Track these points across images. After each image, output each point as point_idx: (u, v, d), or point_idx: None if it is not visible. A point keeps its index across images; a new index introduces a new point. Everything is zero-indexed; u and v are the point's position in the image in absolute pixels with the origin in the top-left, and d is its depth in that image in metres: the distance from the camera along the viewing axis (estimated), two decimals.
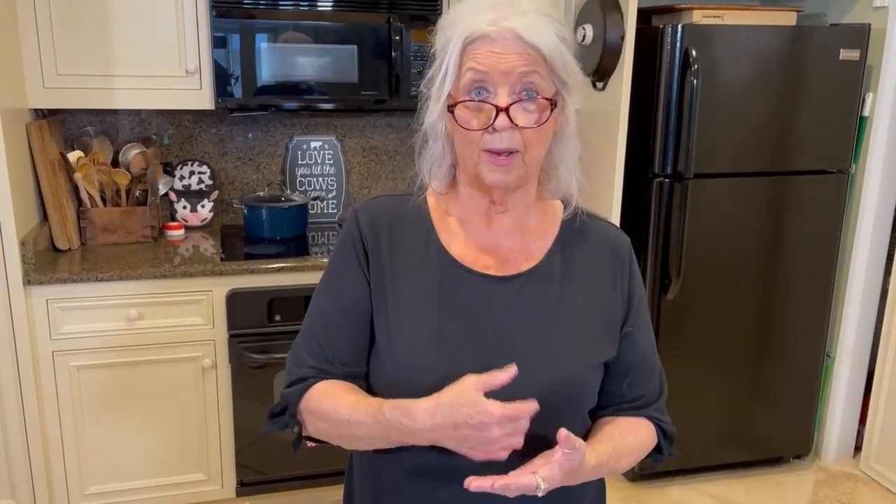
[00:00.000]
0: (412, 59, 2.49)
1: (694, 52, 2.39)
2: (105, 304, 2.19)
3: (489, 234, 1.08)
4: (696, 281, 2.61)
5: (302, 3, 2.41)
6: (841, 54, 2.54)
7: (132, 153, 2.53)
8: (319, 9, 2.43)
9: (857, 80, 2.58)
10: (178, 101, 2.42)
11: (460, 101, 0.98)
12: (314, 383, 1.04)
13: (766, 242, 2.65)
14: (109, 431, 2.31)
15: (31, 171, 2.31)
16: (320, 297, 1.09)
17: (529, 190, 1.06)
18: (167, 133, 2.72)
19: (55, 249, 2.39)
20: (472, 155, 1.00)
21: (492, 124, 0.96)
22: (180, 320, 2.28)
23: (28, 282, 2.14)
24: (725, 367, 2.74)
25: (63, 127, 2.58)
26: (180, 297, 2.27)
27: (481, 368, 0.96)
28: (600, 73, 2.57)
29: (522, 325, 1.04)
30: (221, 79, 2.39)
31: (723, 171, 2.56)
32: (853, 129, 2.65)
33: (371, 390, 1.07)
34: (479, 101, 0.97)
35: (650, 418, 1.13)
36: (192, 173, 2.73)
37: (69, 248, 2.40)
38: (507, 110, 0.95)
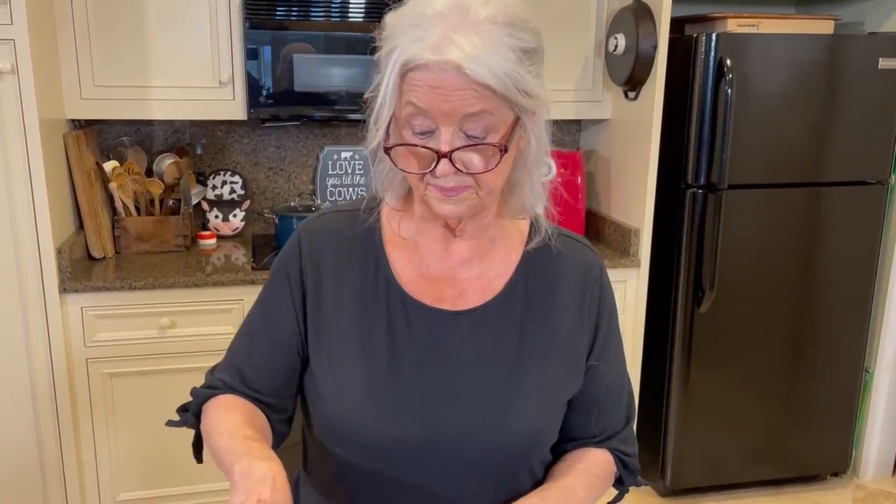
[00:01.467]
0: None
1: (728, 62, 2.36)
2: (138, 312, 2.21)
3: (445, 260, 0.98)
4: (731, 294, 2.56)
5: (333, 14, 2.42)
6: (880, 63, 2.49)
7: (166, 163, 2.56)
8: (350, 20, 2.44)
9: None
10: (212, 111, 2.45)
11: (396, 145, 0.87)
12: (223, 393, 0.98)
13: (802, 255, 2.60)
14: (141, 438, 2.33)
15: (67, 181, 2.35)
16: (250, 318, 1.02)
17: (489, 212, 0.97)
18: (200, 143, 2.75)
19: (90, 258, 2.43)
20: (417, 187, 0.90)
21: (432, 170, 0.85)
22: (212, 329, 2.29)
23: (64, 290, 2.17)
24: (760, 382, 2.68)
25: (99, 137, 2.63)
26: (212, 306, 2.28)
27: (433, 420, 0.91)
28: (632, 82, 2.55)
29: (479, 367, 0.94)
30: (254, 89, 2.41)
31: (758, 181, 2.51)
32: (892, 139, 2.59)
33: (311, 445, 1.01)
34: (418, 144, 0.85)
35: (612, 451, 1.06)
36: (224, 183, 2.75)
37: (104, 257, 2.44)
38: (449, 156, 0.84)
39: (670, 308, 2.62)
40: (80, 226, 2.42)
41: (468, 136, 0.84)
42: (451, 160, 0.84)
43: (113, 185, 2.45)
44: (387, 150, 0.88)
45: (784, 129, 2.49)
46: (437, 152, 0.84)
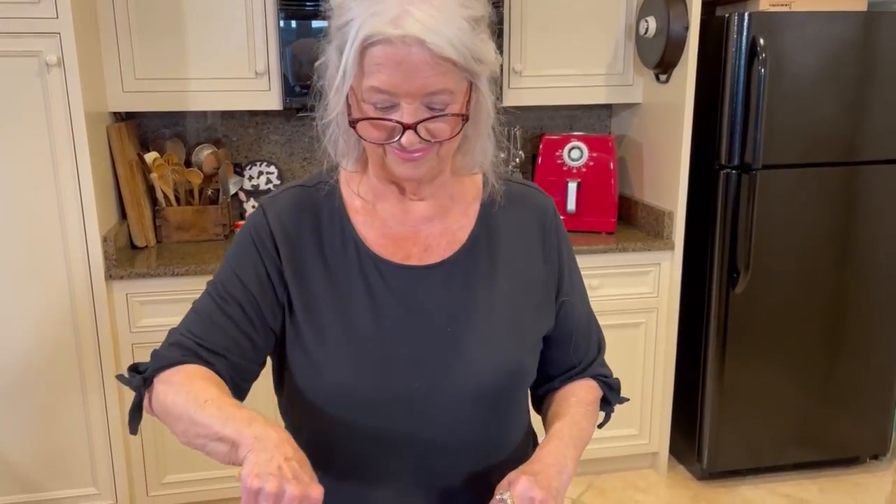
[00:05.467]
0: None
1: (761, 41, 2.35)
2: (181, 298, 2.27)
3: (406, 220, 1.01)
4: (766, 275, 2.55)
5: None
6: None
7: (204, 153, 2.62)
8: None
9: None
10: (248, 102, 2.50)
11: (361, 119, 0.89)
12: (188, 363, 0.93)
13: (838, 234, 2.58)
14: None
15: (111, 172, 2.41)
16: (219, 283, 0.99)
17: (445, 172, 1.00)
18: (237, 134, 2.80)
19: (133, 247, 2.49)
20: (376, 150, 0.92)
21: (398, 139, 0.88)
22: None
23: (109, 276, 2.23)
24: (797, 363, 2.67)
25: (139, 130, 2.69)
26: None
27: (420, 369, 0.94)
28: (664, 65, 2.55)
29: (455, 316, 0.98)
30: (288, 80, 2.45)
31: (792, 161, 2.50)
32: None
33: (297, 409, 1.01)
34: (382, 119, 0.87)
35: (595, 377, 1.11)
36: (260, 173, 2.80)
37: (146, 246, 2.50)
38: (414, 128, 0.87)
39: (705, 290, 2.62)
40: (123, 216, 2.49)
41: (430, 109, 0.87)
42: (416, 131, 0.87)
43: (154, 176, 2.51)
44: (353, 125, 0.89)
45: (818, 108, 2.47)
46: (402, 124, 0.86)
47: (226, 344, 0.95)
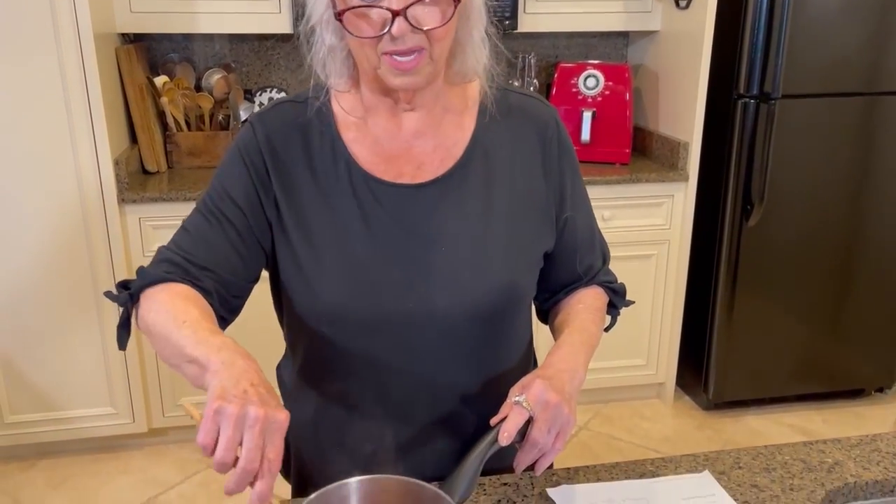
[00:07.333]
0: None
1: None
2: None
3: (398, 136, 0.97)
4: (780, 207, 2.53)
5: None
6: None
7: (214, 77, 2.59)
8: None
9: None
10: (258, 25, 2.45)
11: (347, 9, 0.84)
12: (174, 281, 0.90)
13: (856, 167, 2.55)
14: None
15: (120, 95, 2.39)
16: (208, 200, 0.96)
17: (439, 78, 0.95)
18: (247, 60, 2.76)
19: (144, 172, 2.49)
20: (369, 59, 0.87)
21: (388, 31, 0.83)
22: None
23: (122, 200, 2.23)
24: (806, 296, 2.67)
25: (148, 53, 2.65)
26: None
27: (414, 289, 0.93)
28: None
29: (450, 236, 0.95)
30: (299, 1, 2.40)
31: (812, 91, 2.45)
32: None
33: (294, 329, 1.01)
34: (368, 5, 0.83)
35: (599, 284, 1.09)
36: (270, 100, 2.77)
37: (157, 171, 2.49)
38: (404, 13, 0.82)
39: (718, 222, 2.60)
40: (134, 140, 2.47)
41: None
42: (405, 17, 0.82)
43: (164, 100, 2.48)
44: (338, 17, 0.85)
45: (842, 37, 2.41)
46: (390, 10, 0.82)
47: (215, 259, 0.94)
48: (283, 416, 0.72)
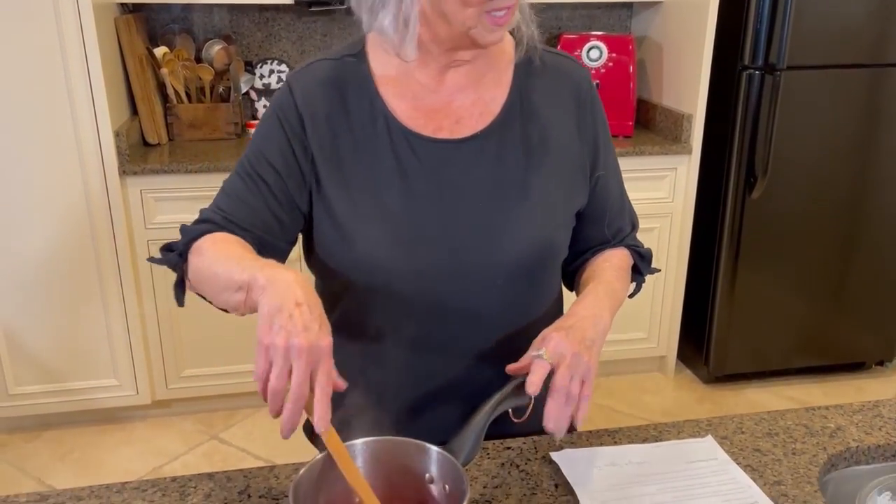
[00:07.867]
0: None
1: None
2: (195, 195, 2.27)
3: (439, 91, 0.98)
4: (784, 180, 2.52)
5: None
6: None
7: (215, 49, 2.56)
8: None
9: None
10: None
11: None
12: (217, 231, 0.94)
13: (862, 139, 2.53)
14: (202, 317, 2.42)
15: (120, 66, 2.37)
16: (246, 162, 0.99)
17: None
18: (247, 32, 2.73)
19: (145, 144, 2.48)
20: (468, 20, 0.88)
21: None
22: None
23: (123, 172, 2.22)
24: (808, 270, 2.67)
25: (147, 24, 2.63)
26: None
27: (451, 245, 0.94)
28: None
29: (488, 190, 0.97)
30: None
31: (818, 63, 2.43)
32: None
33: (328, 284, 1.02)
34: None
35: (628, 247, 1.10)
36: (271, 72, 2.75)
37: (158, 143, 2.48)
38: None
39: (720, 195, 2.59)
40: (134, 112, 2.46)
41: None
42: None
43: (164, 71, 2.46)
44: None
45: (848, 8, 2.38)
46: None
47: (253, 221, 0.96)
48: (325, 343, 0.75)
